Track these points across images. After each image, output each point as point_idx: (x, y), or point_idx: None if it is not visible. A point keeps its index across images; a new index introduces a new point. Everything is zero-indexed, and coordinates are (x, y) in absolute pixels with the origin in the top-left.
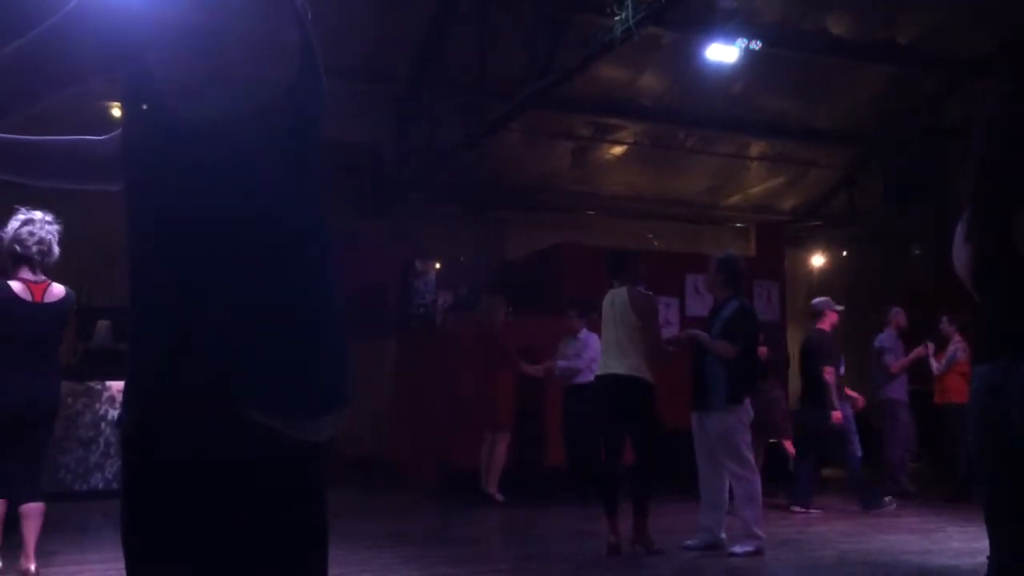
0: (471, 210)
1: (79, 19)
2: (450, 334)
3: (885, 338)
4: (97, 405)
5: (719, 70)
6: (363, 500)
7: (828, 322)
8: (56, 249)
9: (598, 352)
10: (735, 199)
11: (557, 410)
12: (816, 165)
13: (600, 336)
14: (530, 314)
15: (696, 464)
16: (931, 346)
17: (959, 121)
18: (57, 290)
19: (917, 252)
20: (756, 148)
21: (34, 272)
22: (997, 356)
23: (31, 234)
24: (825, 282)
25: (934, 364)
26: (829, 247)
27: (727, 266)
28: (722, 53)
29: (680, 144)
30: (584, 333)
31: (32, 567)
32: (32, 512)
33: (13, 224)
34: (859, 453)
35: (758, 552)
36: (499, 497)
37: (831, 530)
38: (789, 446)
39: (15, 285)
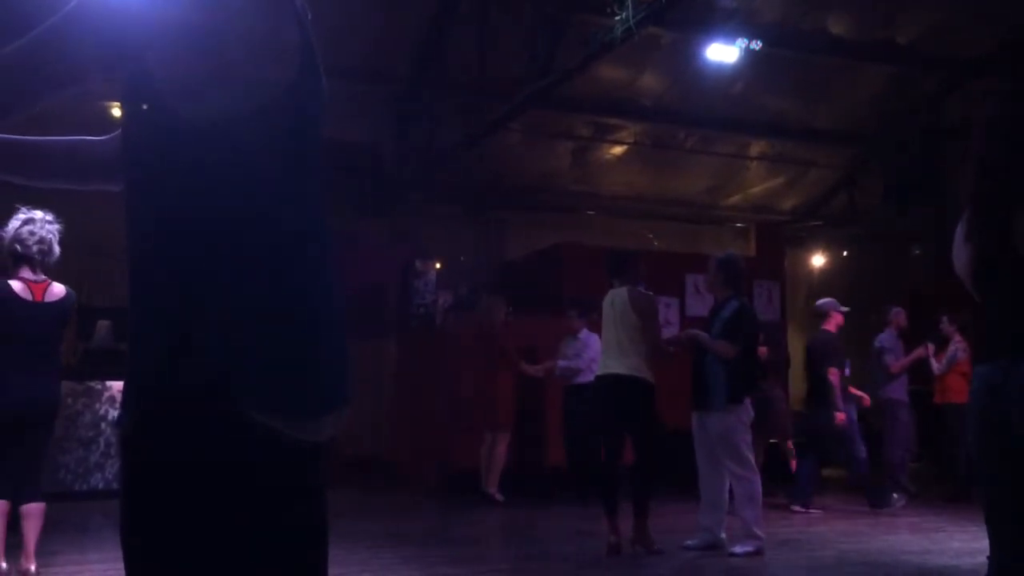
0: (471, 210)
1: (79, 19)
2: (450, 334)
3: (885, 338)
4: (97, 405)
5: (719, 70)
6: (363, 500)
7: (833, 323)
8: (57, 249)
9: (598, 352)
10: (735, 199)
11: (557, 410)
12: (816, 165)
13: (600, 336)
14: (530, 314)
15: (696, 464)
16: (931, 347)
17: (959, 121)
18: (58, 289)
19: (917, 252)
20: (756, 148)
21: (34, 271)
22: (997, 356)
23: (32, 233)
24: (825, 282)
25: (934, 364)
26: (829, 247)
27: (727, 266)
28: (722, 53)
29: (680, 144)
30: (584, 333)
31: (32, 567)
32: (33, 512)
33: (14, 223)
34: (864, 454)
35: (758, 552)
36: (499, 497)
37: (831, 530)
38: (789, 446)
39: (15, 284)
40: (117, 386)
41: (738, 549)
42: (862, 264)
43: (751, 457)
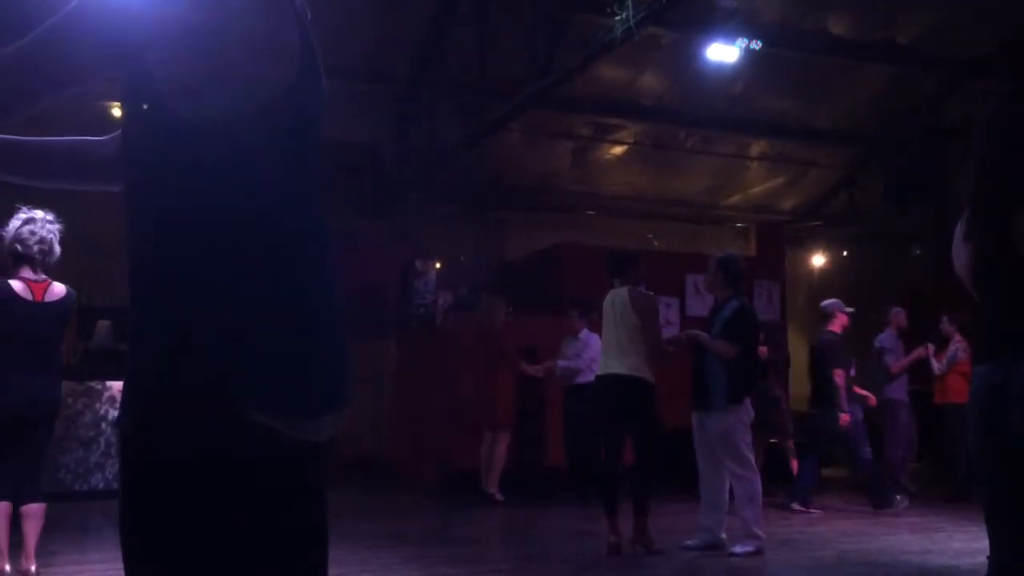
0: (471, 210)
1: (79, 19)
2: (450, 334)
3: (885, 338)
4: (97, 405)
5: (719, 70)
6: (363, 500)
7: (838, 324)
8: (57, 248)
9: (599, 352)
10: (735, 199)
11: (557, 410)
12: (816, 165)
13: (601, 336)
14: (530, 314)
15: (696, 464)
16: (931, 347)
17: (959, 121)
18: (58, 289)
19: (917, 252)
20: (756, 148)
21: (35, 271)
22: (997, 356)
23: (32, 233)
24: (825, 282)
25: (935, 364)
26: (829, 247)
27: (727, 266)
28: (722, 53)
29: (680, 144)
30: (585, 333)
31: (33, 567)
32: (33, 512)
33: (14, 223)
34: (870, 454)
35: (758, 552)
36: (499, 497)
37: (831, 530)
38: (790, 445)
39: (16, 284)
40: (117, 386)
41: (738, 549)
42: (862, 264)
43: (751, 457)
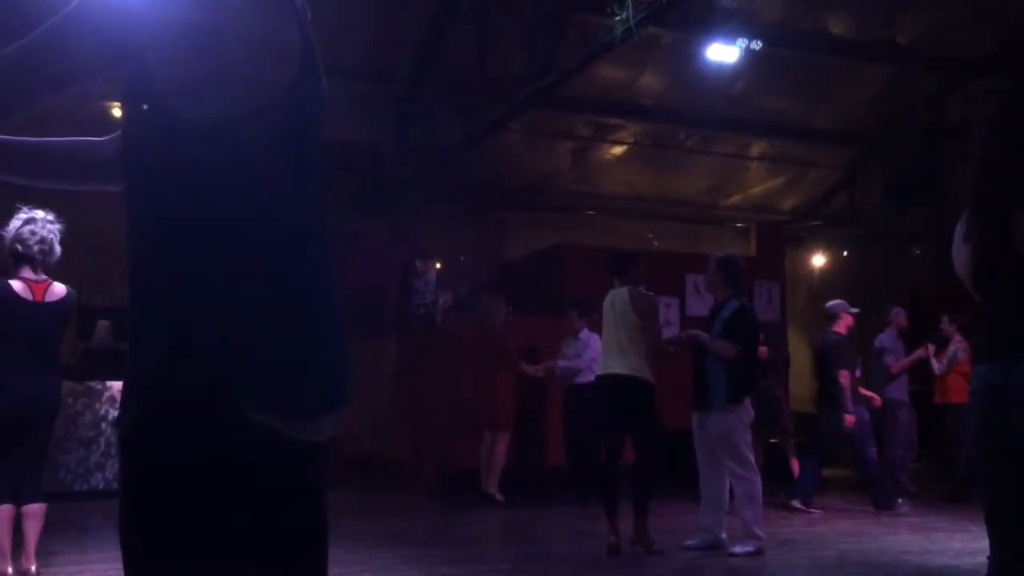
0: (471, 210)
1: (80, 19)
2: (450, 334)
3: (885, 338)
4: (97, 405)
5: (719, 70)
6: (363, 500)
7: (843, 325)
8: (58, 248)
9: (599, 352)
10: (735, 199)
11: (557, 410)
12: (816, 165)
13: (601, 336)
14: (530, 314)
15: (696, 464)
16: (931, 348)
17: (959, 121)
18: (58, 289)
19: (917, 252)
20: (756, 148)
21: (35, 271)
22: (997, 356)
23: (32, 233)
24: (825, 282)
25: (935, 365)
26: (829, 247)
27: (727, 266)
28: (722, 53)
29: (680, 144)
30: (585, 333)
31: (33, 567)
32: (34, 513)
33: (15, 223)
34: (875, 455)
35: (758, 552)
36: (499, 497)
37: (831, 530)
38: (790, 445)
39: (16, 284)
40: (117, 386)
41: (738, 549)
42: (862, 264)
43: (751, 457)
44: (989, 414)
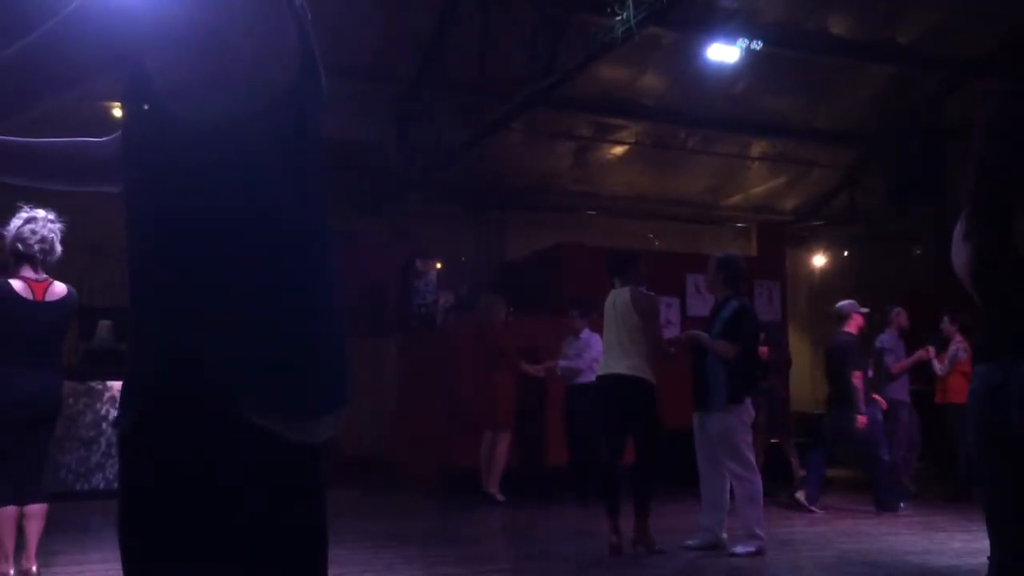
0: (471, 210)
1: (80, 20)
2: (450, 334)
3: (886, 339)
4: (98, 405)
5: (720, 70)
6: (363, 500)
7: (854, 325)
8: (58, 248)
9: (600, 352)
10: (736, 199)
11: (557, 410)
12: (817, 165)
13: (602, 336)
14: (530, 314)
15: (697, 464)
16: (932, 350)
17: (959, 121)
18: (59, 289)
19: (918, 252)
20: (757, 148)
21: (36, 271)
22: (997, 356)
23: (33, 232)
24: (826, 282)
25: (937, 365)
26: (830, 247)
27: (726, 266)
28: (723, 53)
29: (681, 144)
30: (586, 333)
31: (34, 568)
32: (35, 513)
33: (16, 222)
34: (887, 456)
35: (759, 552)
36: (500, 497)
37: (831, 530)
38: (791, 445)
39: (16, 284)
40: (118, 386)
41: (739, 549)
42: (863, 264)
43: (752, 457)
44: (989, 414)
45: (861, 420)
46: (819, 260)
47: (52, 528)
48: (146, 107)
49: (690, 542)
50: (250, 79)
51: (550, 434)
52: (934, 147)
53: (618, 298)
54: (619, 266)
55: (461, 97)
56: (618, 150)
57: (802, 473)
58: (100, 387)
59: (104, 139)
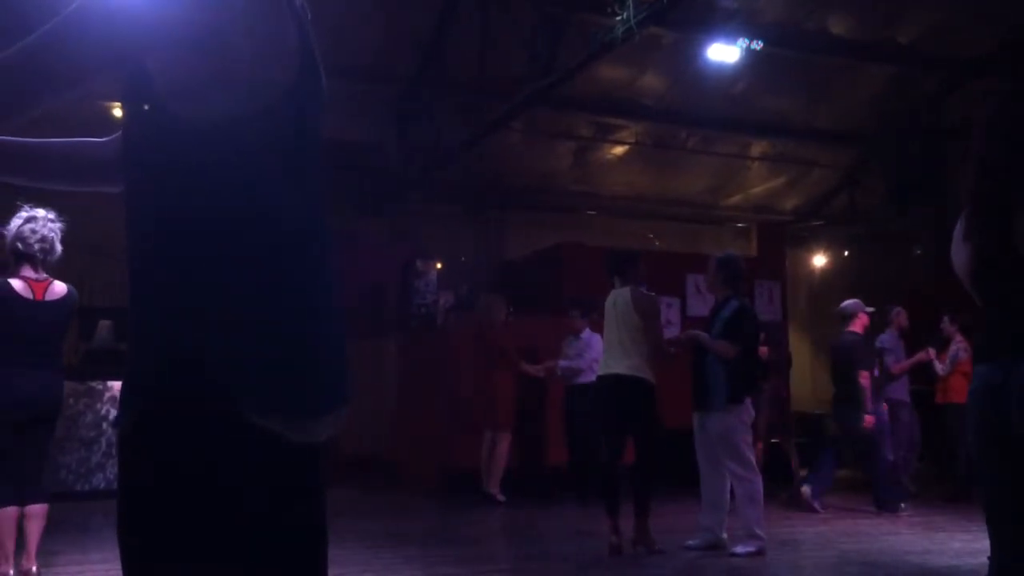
0: (471, 210)
1: (81, 20)
2: (450, 334)
3: (886, 339)
4: (99, 405)
5: (720, 70)
6: (363, 500)
7: (860, 324)
8: (59, 247)
9: (600, 352)
10: (736, 199)
11: (558, 410)
12: (817, 165)
13: (602, 336)
14: (530, 314)
15: (697, 464)
16: (932, 351)
17: (959, 121)
18: (59, 288)
19: (918, 252)
20: (757, 148)
21: (36, 270)
22: (997, 356)
23: (33, 232)
24: (826, 282)
25: (938, 366)
26: (830, 247)
27: (726, 266)
28: (723, 53)
29: (681, 144)
30: (587, 333)
31: (34, 568)
32: (35, 513)
33: (16, 222)
34: (892, 456)
35: (759, 552)
36: (500, 497)
37: (832, 530)
38: (790, 445)
39: (16, 283)
40: (118, 386)
41: (739, 549)
42: (863, 264)
43: (752, 457)
44: (989, 414)
45: (869, 419)
46: (819, 260)
47: (52, 528)
48: (146, 107)
49: (690, 542)
50: (250, 79)
51: (550, 434)
52: (934, 147)
53: (618, 298)
54: (619, 266)
55: (461, 97)
56: (618, 150)
57: (803, 473)
58: (100, 387)
59: (104, 139)
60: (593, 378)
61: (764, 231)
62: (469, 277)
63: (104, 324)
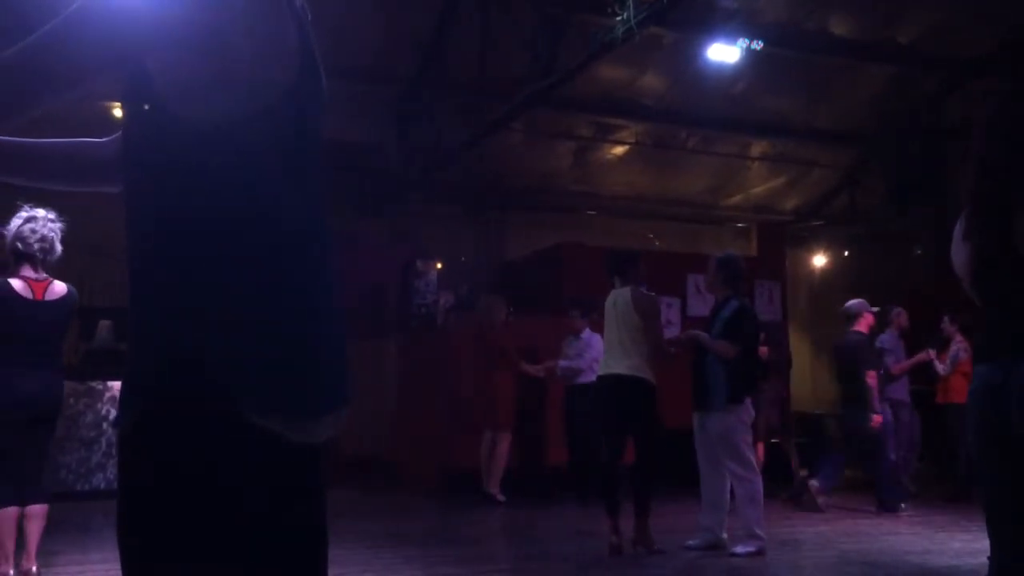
0: (471, 210)
1: (81, 20)
2: (450, 334)
3: (887, 339)
4: (99, 405)
5: (720, 70)
6: (363, 500)
7: (865, 324)
8: (58, 247)
9: (601, 352)
10: (736, 199)
11: (558, 410)
12: (817, 165)
13: (603, 336)
14: (530, 314)
15: (697, 464)
16: (932, 352)
17: (959, 121)
18: (59, 288)
19: (917, 252)
20: (757, 148)
21: (36, 270)
22: (997, 356)
23: (33, 231)
24: (826, 282)
25: (939, 366)
26: (830, 247)
27: (726, 266)
28: (723, 53)
29: (681, 144)
30: (587, 333)
31: (34, 568)
32: (36, 513)
33: (16, 221)
34: (895, 455)
35: (759, 552)
36: (501, 497)
37: (832, 530)
38: (790, 445)
39: (16, 283)
40: (119, 386)
41: (739, 549)
42: (863, 264)
43: (752, 457)
44: (989, 414)
45: (877, 419)
46: (819, 260)
47: (52, 528)
48: (147, 107)
49: (690, 542)
50: (251, 79)
51: (550, 434)
52: (934, 147)
53: (619, 298)
54: (619, 266)
55: (461, 97)
56: (618, 150)
57: (803, 473)
58: (100, 387)
59: (104, 139)
60: (593, 378)
61: (764, 231)
62: (469, 277)
63: (104, 324)
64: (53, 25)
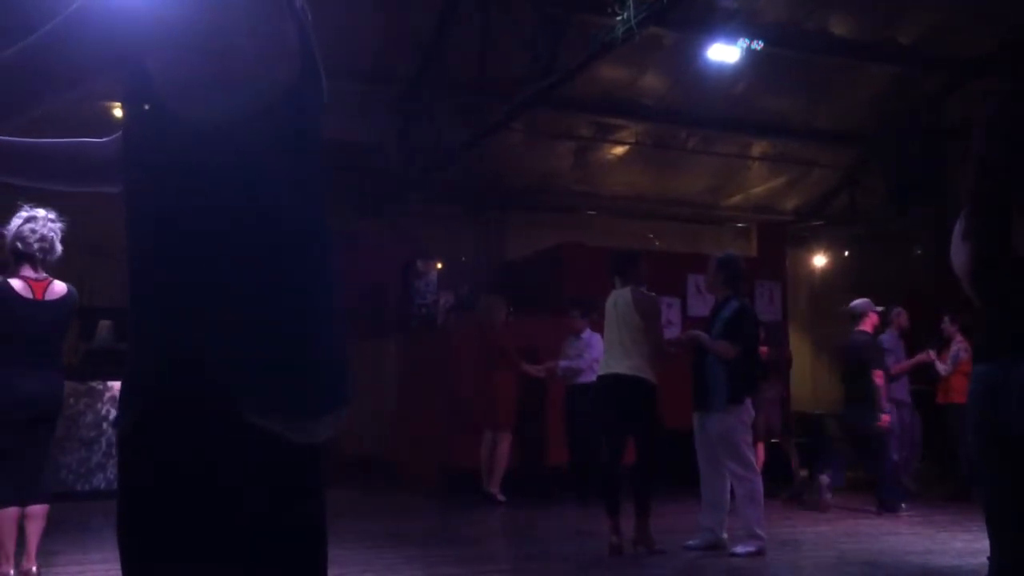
0: (471, 210)
1: (82, 20)
2: (450, 334)
3: (887, 339)
4: (99, 405)
5: (720, 70)
6: (363, 500)
7: (870, 324)
8: (58, 247)
9: (601, 352)
10: (736, 199)
11: (558, 410)
12: (817, 165)
13: (603, 336)
14: (530, 314)
15: (697, 464)
16: (932, 353)
17: (959, 121)
18: (59, 288)
19: (918, 252)
20: (757, 148)
21: (35, 270)
22: (997, 356)
23: (33, 231)
24: (827, 282)
25: (940, 366)
26: (830, 247)
27: (726, 266)
28: (724, 53)
29: (681, 144)
30: (587, 333)
31: (34, 568)
32: (36, 513)
33: (16, 221)
34: (897, 456)
35: (760, 552)
36: (501, 497)
37: (832, 530)
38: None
39: (16, 283)
40: (118, 386)
41: (739, 549)
42: (863, 264)
43: (752, 457)
44: (989, 414)
45: (885, 419)
46: (819, 260)
47: (52, 528)
48: (147, 107)
49: (690, 542)
50: (251, 80)
51: (550, 434)
52: (934, 147)
53: (619, 298)
54: (620, 266)
55: (461, 97)
56: (618, 150)
57: (803, 473)
58: (100, 387)
59: (104, 139)
60: (593, 378)
61: (764, 231)
62: (469, 277)
63: (104, 324)
64: (53, 25)
